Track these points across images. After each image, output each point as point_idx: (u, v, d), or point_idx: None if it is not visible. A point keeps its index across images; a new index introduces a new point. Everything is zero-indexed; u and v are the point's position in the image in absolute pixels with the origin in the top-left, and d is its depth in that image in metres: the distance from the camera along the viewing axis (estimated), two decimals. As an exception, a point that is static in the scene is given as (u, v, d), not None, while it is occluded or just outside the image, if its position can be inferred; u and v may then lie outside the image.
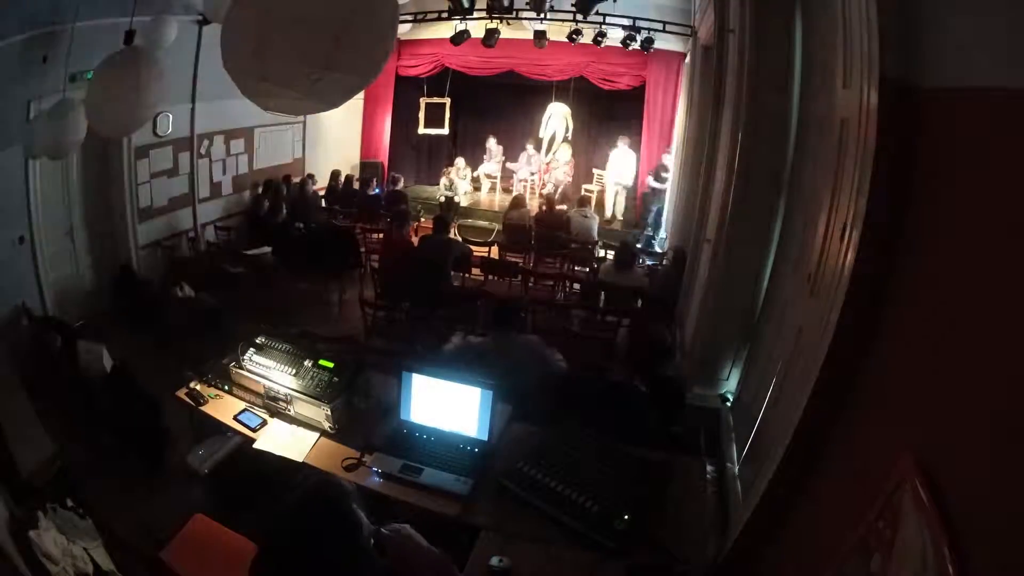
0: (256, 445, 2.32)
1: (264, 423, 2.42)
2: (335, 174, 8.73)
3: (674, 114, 8.62)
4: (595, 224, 7.22)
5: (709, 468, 2.30)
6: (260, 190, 7.51)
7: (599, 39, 7.41)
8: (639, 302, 5.01)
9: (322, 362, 2.48)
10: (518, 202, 7.50)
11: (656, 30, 7.33)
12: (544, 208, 7.56)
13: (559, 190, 9.15)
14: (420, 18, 7.86)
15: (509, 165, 9.93)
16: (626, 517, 1.86)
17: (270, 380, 2.46)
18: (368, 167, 9.82)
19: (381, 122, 10.10)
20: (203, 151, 6.72)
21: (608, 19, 7.16)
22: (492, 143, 10.04)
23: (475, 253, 5.82)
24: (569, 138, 9.86)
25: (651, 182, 8.42)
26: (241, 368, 2.53)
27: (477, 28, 7.78)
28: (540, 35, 7.62)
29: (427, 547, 1.49)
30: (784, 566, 1.60)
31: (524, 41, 8.17)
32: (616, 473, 2.05)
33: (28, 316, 4.42)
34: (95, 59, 3.24)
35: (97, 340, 3.84)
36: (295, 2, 1.54)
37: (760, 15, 2.89)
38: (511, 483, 2.03)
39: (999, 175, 0.95)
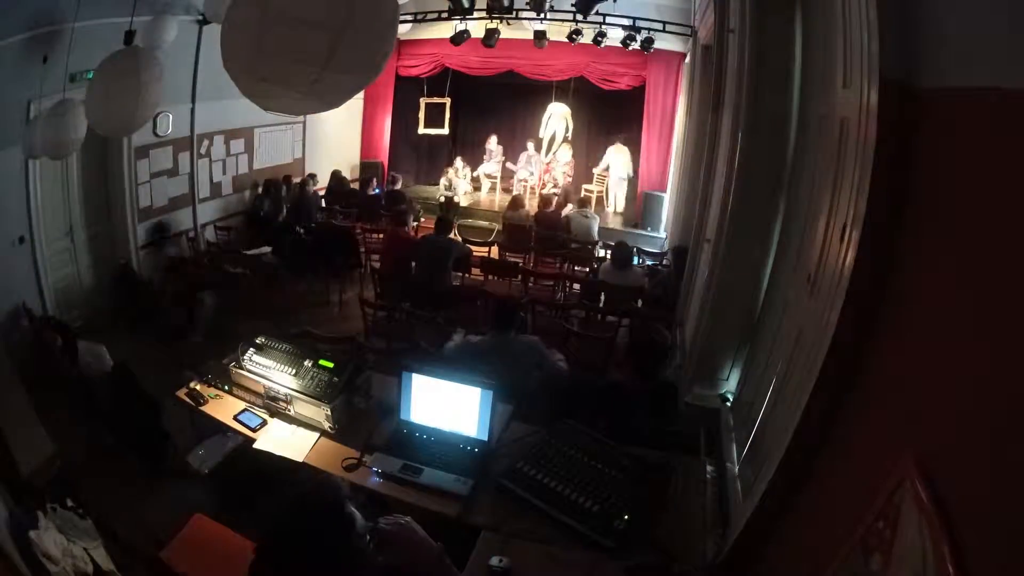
0: (256, 445, 2.32)
1: (264, 423, 2.43)
2: (336, 174, 8.74)
3: (674, 114, 8.63)
4: (595, 224, 7.23)
5: (709, 468, 2.30)
6: (260, 190, 7.51)
7: (599, 39, 7.41)
8: (639, 302, 5.01)
9: (322, 362, 2.48)
10: (517, 202, 7.50)
11: (656, 30, 7.33)
12: (543, 208, 7.56)
13: (559, 190, 9.16)
14: (420, 18, 7.85)
15: (509, 165, 9.92)
16: (626, 517, 1.87)
17: (270, 380, 2.46)
18: (368, 167, 9.82)
19: (381, 122, 10.11)
20: (203, 151, 6.72)
21: (608, 19, 7.16)
22: (492, 143, 10.04)
23: (475, 253, 5.83)
24: (569, 138, 9.88)
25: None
26: (241, 368, 2.54)
27: (477, 28, 7.78)
28: (540, 35, 7.62)
29: (424, 537, 1.50)
30: (784, 566, 1.60)
31: (524, 41, 8.17)
32: (616, 473, 2.06)
33: (28, 316, 4.41)
34: (95, 59, 3.24)
35: (97, 340, 3.85)
36: (295, 2, 1.53)
37: (760, 15, 2.89)
38: (511, 483, 2.03)
39: (999, 175, 0.95)
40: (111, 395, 3.44)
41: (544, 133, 9.98)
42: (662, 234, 8.42)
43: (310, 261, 5.98)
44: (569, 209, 7.61)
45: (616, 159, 9.25)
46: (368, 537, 1.37)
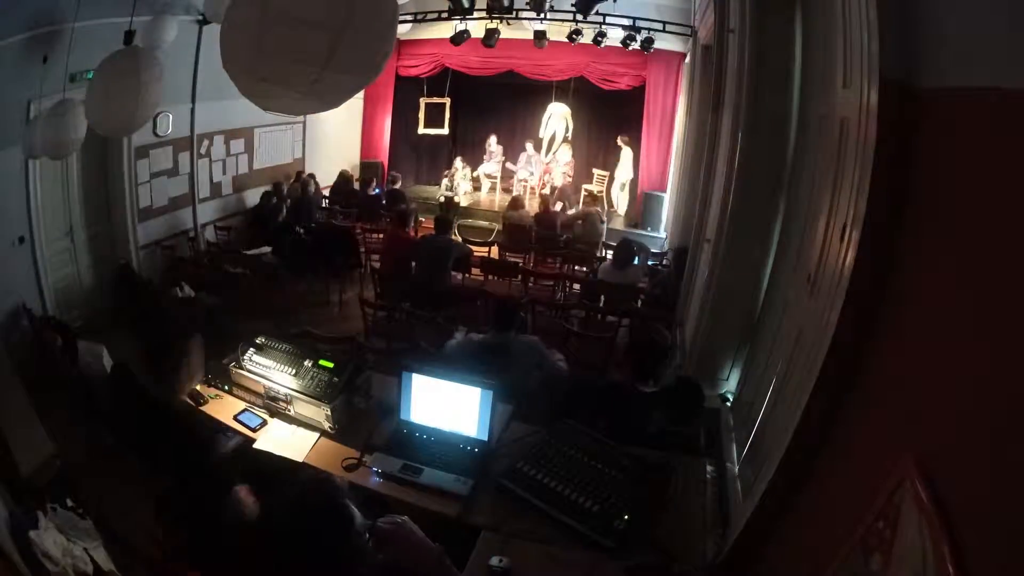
0: (256, 445, 2.32)
1: (264, 423, 2.42)
2: (343, 174, 8.76)
3: (674, 114, 8.63)
4: (604, 225, 7.26)
5: (709, 468, 2.30)
6: (271, 189, 7.51)
7: (599, 39, 7.41)
8: (639, 302, 5.01)
9: (322, 362, 2.48)
10: (517, 202, 7.51)
11: (656, 30, 7.34)
12: (543, 208, 7.57)
13: (559, 190, 9.16)
14: (420, 18, 7.86)
15: (509, 165, 9.92)
16: (626, 517, 1.86)
17: (270, 380, 2.46)
18: (368, 167, 9.82)
19: (381, 122, 10.11)
20: (203, 151, 6.72)
21: (608, 19, 7.16)
22: (492, 143, 10.04)
23: (475, 253, 5.83)
24: (569, 138, 9.87)
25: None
26: (241, 368, 2.53)
27: (477, 28, 7.78)
28: (540, 35, 7.62)
29: (422, 538, 1.50)
30: (784, 566, 1.60)
31: (524, 41, 8.17)
32: (616, 473, 2.06)
33: (28, 316, 4.41)
34: (95, 59, 3.24)
35: (97, 340, 3.84)
36: (295, 2, 1.53)
37: (760, 15, 2.89)
38: (511, 483, 2.03)
39: (999, 175, 0.95)
40: (111, 395, 3.44)
41: (544, 133, 9.98)
42: (662, 234, 8.43)
43: (310, 261, 5.98)
44: (575, 210, 7.65)
45: (623, 158, 9.23)
46: (367, 536, 1.37)
